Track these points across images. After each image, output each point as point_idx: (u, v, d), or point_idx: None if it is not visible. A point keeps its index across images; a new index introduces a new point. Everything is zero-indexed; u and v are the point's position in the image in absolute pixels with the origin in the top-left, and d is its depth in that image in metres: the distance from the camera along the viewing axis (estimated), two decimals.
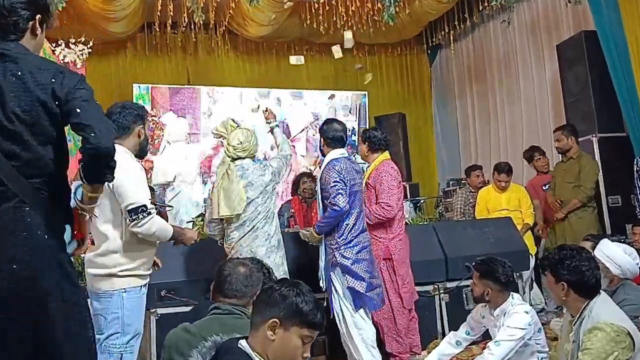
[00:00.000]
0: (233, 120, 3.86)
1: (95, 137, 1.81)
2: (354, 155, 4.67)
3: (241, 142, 3.66)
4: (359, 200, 3.77)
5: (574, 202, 5.18)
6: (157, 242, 2.82)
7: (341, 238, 3.66)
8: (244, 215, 3.59)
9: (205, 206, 5.09)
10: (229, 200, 3.58)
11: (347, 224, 3.68)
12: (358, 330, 3.63)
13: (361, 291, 3.61)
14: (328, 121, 3.92)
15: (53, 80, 1.84)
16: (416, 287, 4.22)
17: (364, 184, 3.93)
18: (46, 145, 1.86)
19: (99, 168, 1.86)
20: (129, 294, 2.71)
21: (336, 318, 3.67)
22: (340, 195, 3.62)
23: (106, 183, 1.92)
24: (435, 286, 4.59)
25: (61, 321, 1.84)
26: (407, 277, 4.07)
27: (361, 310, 3.67)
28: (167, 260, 3.78)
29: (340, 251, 3.66)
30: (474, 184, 6.14)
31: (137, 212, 2.61)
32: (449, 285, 4.64)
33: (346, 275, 3.62)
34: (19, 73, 1.84)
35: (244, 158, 3.68)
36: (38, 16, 1.99)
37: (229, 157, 3.66)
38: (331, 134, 3.80)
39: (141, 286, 2.77)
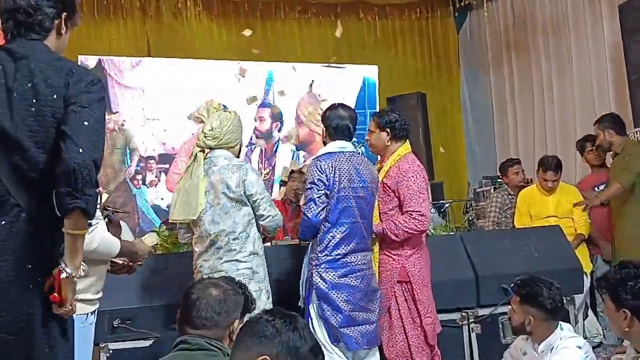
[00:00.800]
0: (220, 104, 3.99)
1: (68, 150, 1.98)
2: (360, 147, 4.81)
3: (213, 128, 3.74)
4: (358, 209, 3.81)
5: (615, 186, 5.32)
6: (107, 261, 2.91)
7: (323, 253, 3.76)
8: (201, 224, 3.70)
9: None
10: (186, 200, 3.70)
11: (332, 237, 3.76)
12: None
13: (334, 325, 3.70)
14: (332, 107, 4.04)
15: (64, 81, 2.09)
16: (439, 315, 4.23)
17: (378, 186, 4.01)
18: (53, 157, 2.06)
19: (63, 190, 1.99)
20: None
21: None
22: (311, 203, 3.75)
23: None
24: (464, 314, 4.62)
25: None
26: (429, 303, 4.08)
27: (341, 345, 3.75)
28: (121, 281, 3.77)
29: (319, 270, 3.75)
30: (512, 183, 6.19)
31: None
32: (481, 312, 4.67)
33: (320, 302, 3.73)
34: (31, 75, 2.10)
35: (214, 148, 3.77)
36: (64, 14, 2.25)
37: (198, 146, 3.77)
38: (334, 122, 3.92)
39: (88, 314, 2.79)
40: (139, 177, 7.94)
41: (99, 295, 2.90)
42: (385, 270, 4.02)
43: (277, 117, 8.98)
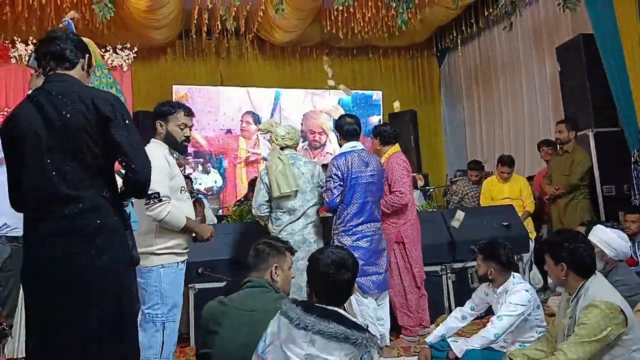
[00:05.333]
0: (275, 121, 4.20)
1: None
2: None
3: (288, 132, 4.06)
4: (366, 192, 3.93)
5: (560, 188, 5.65)
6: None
7: (340, 224, 3.90)
8: (294, 203, 3.94)
9: (250, 191, 5.52)
10: (287, 179, 3.88)
11: (347, 213, 3.87)
12: (359, 306, 3.87)
13: None
14: (341, 117, 4.16)
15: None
16: (425, 268, 4.38)
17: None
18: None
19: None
20: (166, 269, 2.93)
21: None
22: (329, 191, 3.89)
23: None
24: (443, 267, 4.80)
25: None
26: (418, 258, 4.28)
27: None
28: (204, 243, 3.71)
29: (338, 236, 3.90)
30: (470, 179, 6.55)
31: (150, 197, 2.83)
32: (456, 266, 4.82)
33: None
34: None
35: (290, 147, 4.05)
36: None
37: (277, 145, 4.03)
38: (345, 128, 4.02)
39: (178, 262, 3.01)
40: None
41: (186, 251, 3.06)
42: (387, 234, 4.15)
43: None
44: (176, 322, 2.98)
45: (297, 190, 3.93)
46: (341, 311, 2.07)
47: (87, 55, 2.35)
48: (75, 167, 2.17)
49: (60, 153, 2.16)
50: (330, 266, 2.12)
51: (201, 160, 8.74)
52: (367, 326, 2.33)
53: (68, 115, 2.16)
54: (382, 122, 8.75)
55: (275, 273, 2.61)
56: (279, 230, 3.95)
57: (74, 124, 2.16)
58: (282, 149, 4.04)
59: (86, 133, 2.16)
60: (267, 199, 3.99)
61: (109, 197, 2.23)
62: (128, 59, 7.67)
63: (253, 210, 4.11)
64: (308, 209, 3.94)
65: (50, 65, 2.30)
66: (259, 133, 4.49)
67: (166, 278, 2.92)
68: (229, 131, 8.86)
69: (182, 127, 3.09)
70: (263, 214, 4.04)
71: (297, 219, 3.94)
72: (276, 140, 4.05)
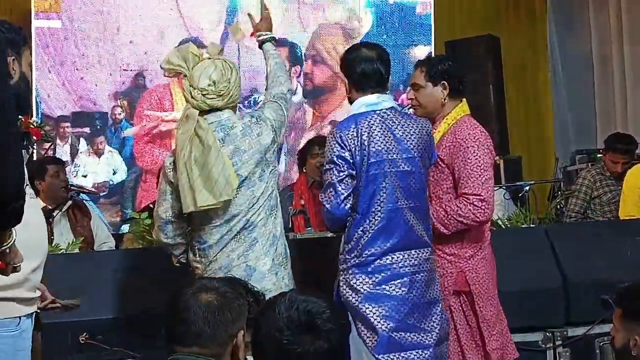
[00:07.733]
0: (198, 47, 3.87)
1: None
2: (407, 107, 4.39)
3: (214, 82, 3.69)
4: (401, 189, 3.61)
5: None
6: (44, 248, 2.87)
7: (352, 254, 3.62)
8: (229, 208, 3.68)
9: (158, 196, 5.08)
10: (209, 180, 3.61)
11: (364, 231, 3.60)
12: None
13: (370, 349, 3.56)
14: (352, 48, 3.98)
15: None
16: (514, 336, 4.07)
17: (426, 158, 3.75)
18: None
19: None
20: None
21: None
22: (331, 190, 3.62)
23: None
24: (548, 334, 4.51)
25: None
26: (496, 321, 3.86)
27: None
28: (89, 285, 3.94)
29: (347, 277, 3.61)
30: (610, 168, 6.17)
31: None
32: (572, 332, 4.52)
33: (355, 320, 3.57)
34: None
35: (221, 109, 3.68)
36: None
37: (195, 108, 3.67)
38: (359, 68, 3.71)
39: (20, 318, 2.63)
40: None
41: (37, 293, 2.82)
42: (438, 275, 3.87)
43: (293, 57, 8.29)
44: None
45: (228, 202, 3.59)
46: None
47: None
48: None
49: None
50: (287, 328, 2.02)
51: (87, 129, 7.72)
52: None
53: None
54: (433, 55, 7.80)
55: (239, 346, 2.36)
56: (207, 263, 3.63)
57: None
58: (203, 113, 3.67)
59: None
60: (176, 211, 3.66)
61: None
62: None
63: (154, 232, 3.87)
64: (253, 214, 3.57)
65: None
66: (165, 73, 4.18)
67: None
68: (139, 74, 7.76)
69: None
70: (170, 241, 3.72)
71: (233, 238, 3.59)
72: (192, 97, 3.67)
